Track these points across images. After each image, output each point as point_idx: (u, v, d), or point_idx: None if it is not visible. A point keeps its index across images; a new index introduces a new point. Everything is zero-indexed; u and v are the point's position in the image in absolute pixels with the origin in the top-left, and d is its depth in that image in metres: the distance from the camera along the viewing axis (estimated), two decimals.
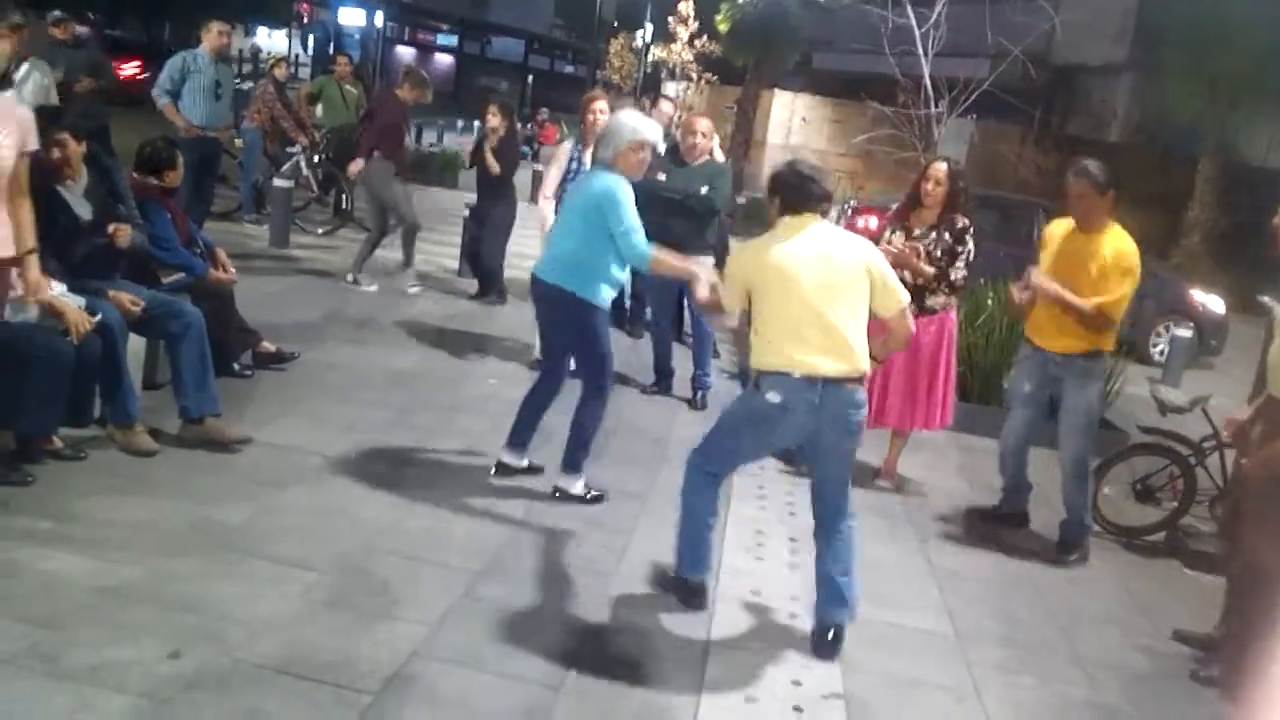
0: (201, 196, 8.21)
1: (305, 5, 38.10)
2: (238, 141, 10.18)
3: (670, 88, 22.19)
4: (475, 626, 3.36)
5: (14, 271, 3.82)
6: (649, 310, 6.99)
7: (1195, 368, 9.95)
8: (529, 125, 26.34)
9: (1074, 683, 3.67)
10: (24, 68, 7.12)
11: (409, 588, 3.53)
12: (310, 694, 2.86)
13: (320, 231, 10.16)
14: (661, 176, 6.03)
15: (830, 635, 3.56)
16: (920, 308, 5.17)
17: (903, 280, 5.05)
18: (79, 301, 4.07)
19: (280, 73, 10.75)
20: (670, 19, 23.15)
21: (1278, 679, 3.40)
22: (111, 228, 4.52)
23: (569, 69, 50.30)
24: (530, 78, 46.33)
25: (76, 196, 4.46)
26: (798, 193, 3.54)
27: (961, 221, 5.08)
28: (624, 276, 4.45)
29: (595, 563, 3.95)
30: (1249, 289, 10.63)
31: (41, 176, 3.99)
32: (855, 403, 3.45)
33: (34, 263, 3.82)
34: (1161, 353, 10.18)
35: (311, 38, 38.78)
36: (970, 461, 5.95)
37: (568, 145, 6.54)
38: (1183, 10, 16.06)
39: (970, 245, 5.08)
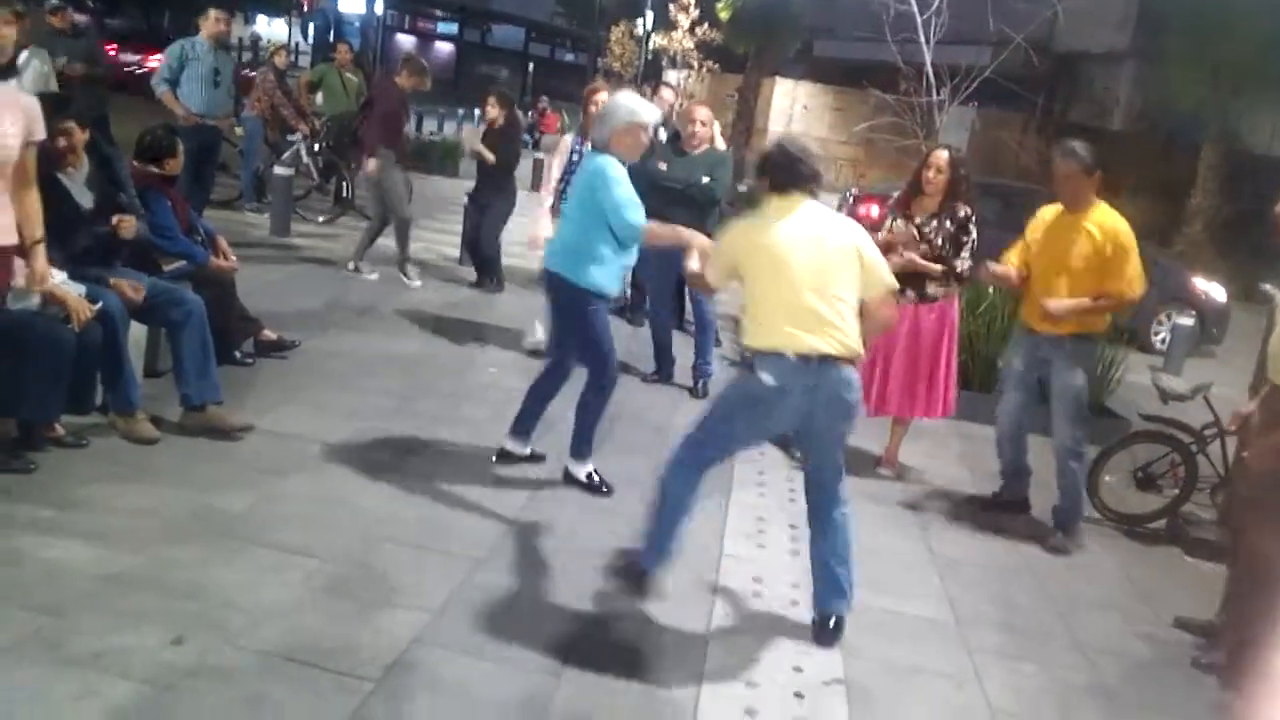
0: (201, 185, 8.19)
1: None
2: (238, 130, 10.17)
3: (671, 76, 22.11)
4: (476, 614, 3.37)
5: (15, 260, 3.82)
6: (649, 298, 6.99)
7: (1197, 356, 9.94)
8: (529, 114, 26.28)
9: (1074, 669, 3.68)
10: (24, 55, 7.10)
11: (410, 575, 3.54)
12: (312, 681, 2.87)
13: (321, 220, 10.15)
14: (662, 166, 6.02)
15: (831, 624, 3.57)
16: (921, 295, 5.17)
17: (902, 269, 5.11)
18: (80, 289, 4.07)
19: (280, 61, 10.72)
20: (671, 6, 23.04)
21: (1278, 667, 3.41)
22: (115, 219, 4.51)
23: (570, 57, 50.18)
24: (531, 66, 46.24)
25: (78, 185, 4.45)
26: (786, 172, 3.52)
27: (964, 210, 5.08)
28: (625, 262, 4.38)
29: (596, 551, 3.95)
30: (1251, 277, 10.63)
31: (44, 165, 3.98)
32: (849, 383, 3.43)
33: (41, 252, 3.81)
34: (1163, 341, 10.18)
35: (311, 25, 38.64)
36: (971, 449, 5.96)
37: (568, 138, 6.55)
38: None
39: (974, 234, 5.08)
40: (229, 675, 2.83)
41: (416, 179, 9.17)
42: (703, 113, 6.18)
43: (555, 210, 6.20)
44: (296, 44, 33.58)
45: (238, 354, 5.43)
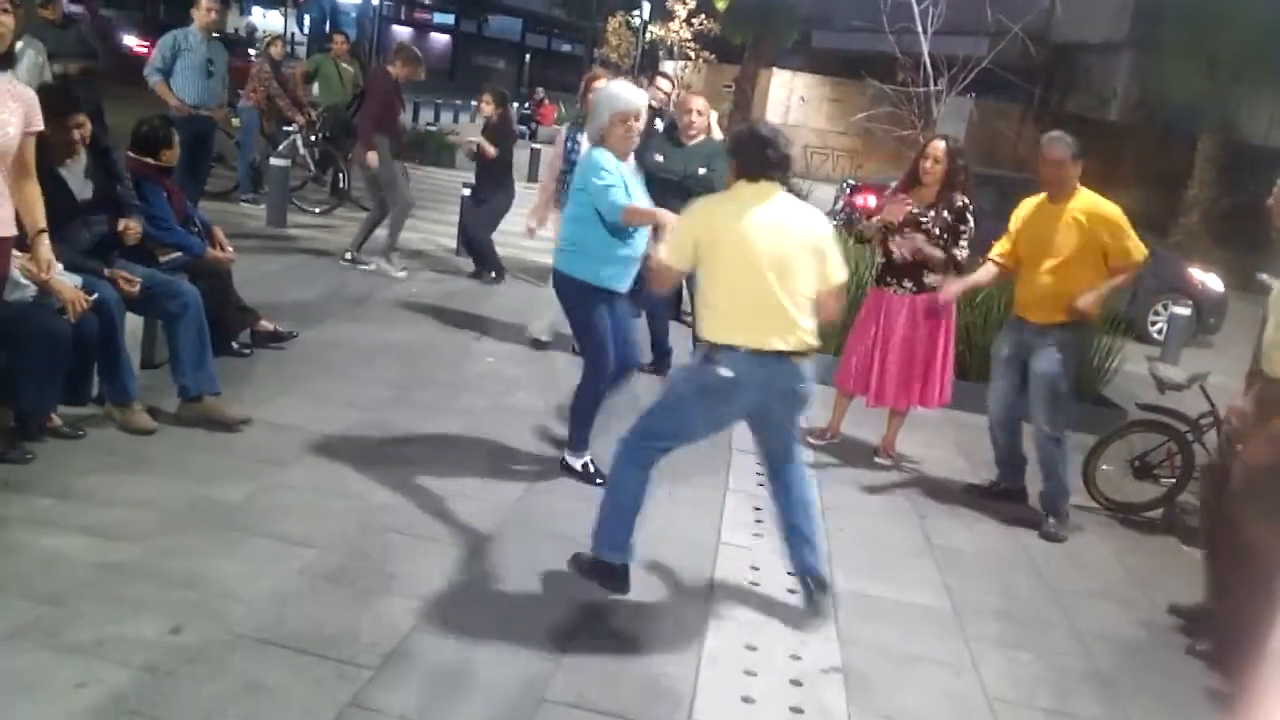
0: (196, 176, 8.16)
1: None
2: (234, 121, 10.14)
3: (668, 66, 22.07)
4: (475, 602, 3.38)
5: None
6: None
7: (1194, 345, 9.97)
8: (526, 104, 26.25)
9: (1071, 656, 3.69)
10: (18, 46, 7.07)
11: (409, 564, 3.55)
12: (311, 669, 2.87)
13: (317, 210, 10.13)
14: (659, 157, 6.01)
15: (818, 584, 3.62)
16: (919, 285, 5.18)
17: (902, 254, 5.12)
18: (76, 281, 4.06)
19: (276, 51, 10.69)
20: None
21: (1271, 655, 3.43)
22: (121, 225, 4.53)
23: (566, 48, 50.10)
24: (528, 56, 46.16)
25: (77, 177, 4.45)
26: (755, 157, 3.46)
27: (961, 200, 5.08)
28: (629, 255, 4.30)
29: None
30: (1248, 267, 10.63)
31: (43, 158, 3.97)
32: (803, 377, 3.45)
33: (44, 241, 3.80)
34: (1160, 331, 10.20)
35: (307, 16, 38.55)
36: (968, 439, 5.97)
37: (563, 131, 6.56)
38: None
39: (971, 223, 5.09)
40: (228, 664, 2.84)
41: (413, 170, 9.16)
42: (698, 102, 6.18)
43: (557, 201, 6.23)
44: (292, 34, 33.50)
45: (235, 345, 5.42)
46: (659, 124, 6.54)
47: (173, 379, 4.53)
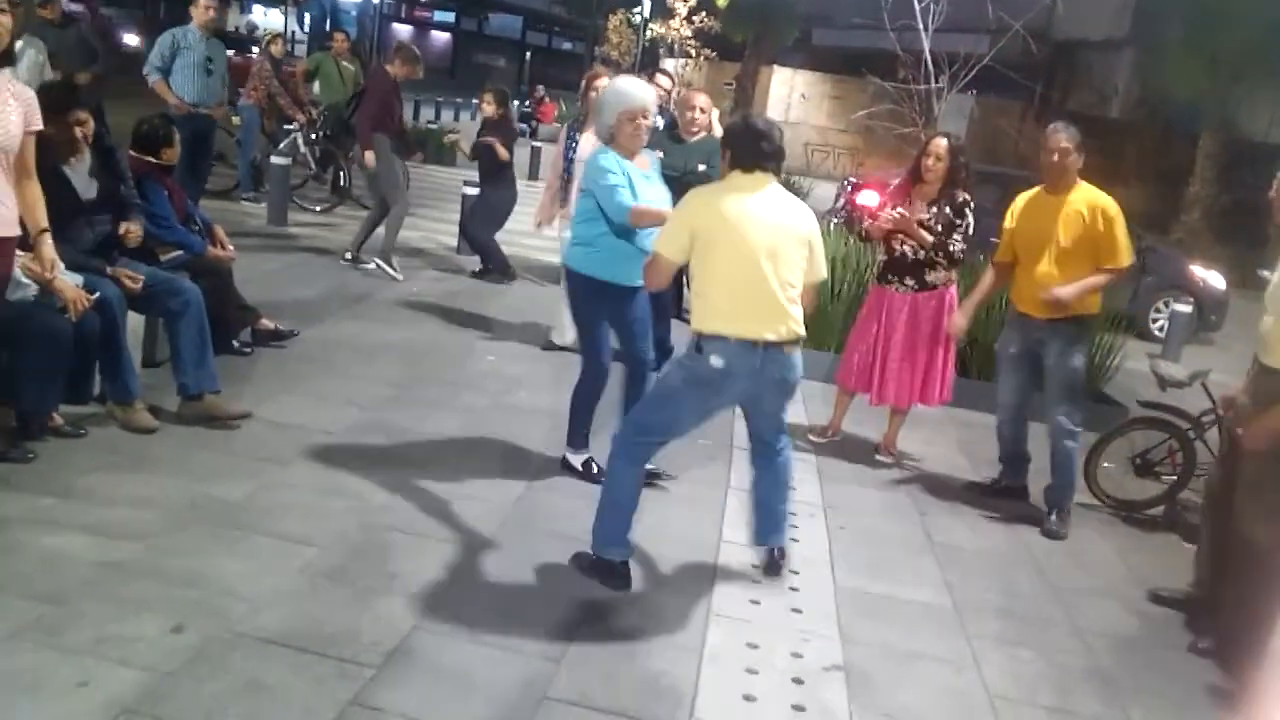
0: (196, 174, 8.16)
1: None
2: (235, 119, 10.14)
3: (669, 64, 22.06)
4: (476, 601, 3.38)
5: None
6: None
7: (1195, 343, 9.96)
8: (527, 103, 26.24)
9: (1072, 654, 3.69)
10: (18, 45, 7.07)
11: (410, 562, 3.55)
12: (313, 667, 2.87)
13: (318, 209, 10.14)
14: (659, 154, 6.00)
15: (777, 555, 3.77)
16: (920, 283, 5.18)
17: (904, 252, 5.12)
18: (77, 279, 4.06)
19: (277, 50, 10.69)
20: None
21: (1272, 654, 3.43)
22: (122, 228, 4.54)
23: (567, 45, 50.08)
24: (528, 54, 46.14)
25: (81, 176, 4.45)
26: (749, 148, 3.50)
27: (961, 195, 5.08)
28: (632, 250, 4.20)
29: None
30: (1249, 264, 10.63)
31: (47, 156, 3.97)
32: (793, 365, 3.52)
33: (48, 240, 3.80)
34: (1161, 328, 10.19)
35: (307, 14, 38.55)
36: (969, 436, 5.96)
37: (563, 131, 6.56)
38: None
39: (969, 218, 5.08)
40: (229, 662, 2.84)
41: (414, 169, 9.16)
42: (701, 99, 6.18)
43: (563, 199, 6.24)
44: (293, 33, 33.50)
45: (236, 343, 5.43)
46: (659, 121, 6.54)
47: (174, 377, 4.53)
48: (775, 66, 27.77)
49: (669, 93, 7.27)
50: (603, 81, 6.09)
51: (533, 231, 6.80)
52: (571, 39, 48.70)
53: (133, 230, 4.56)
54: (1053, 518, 4.78)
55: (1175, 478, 5.19)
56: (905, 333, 5.22)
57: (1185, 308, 9.41)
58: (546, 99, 26.53)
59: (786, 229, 3.48)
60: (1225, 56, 16.39)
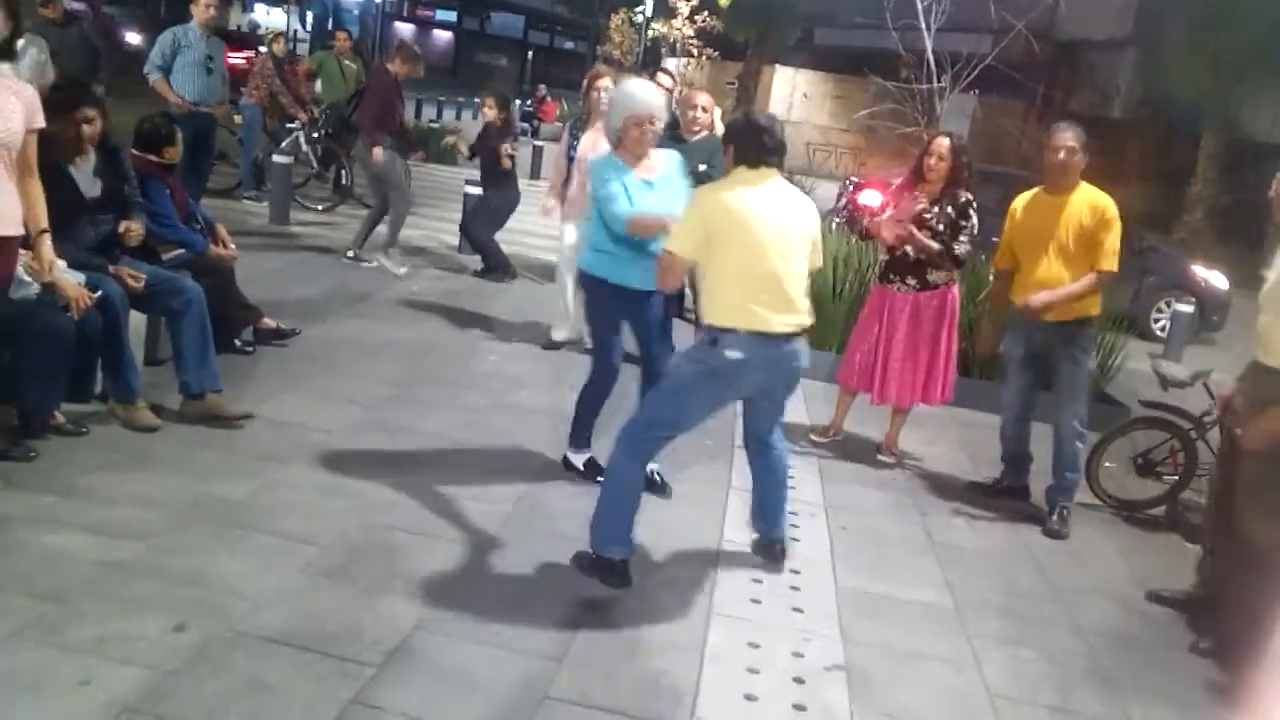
0: (198, 173, 8.16)
1: None
2: (237, 118, 10.14)
3: (671, 63, 22.07)
4: (478, 600, 3.38)
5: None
6: None
7: (1197, 343, 9.95)
8: (529, 102, 26.25)
9: (1073, 653, 3.69)
10: (20, 44, 7.06)
11: (411, 561, 3.55)
12: (314, 666, 2.87)
13: (320, 208, 10.14)
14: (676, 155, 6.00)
15: (778, 549, 3.92)
16: (922, 282, 5.17)
17: (905, 251, 5.11)
18: (79, 278, 4.07)
19: (279, 48, 10.70)
20: None
21: (1273, 652, 3.42)
22: (122, 227, 4.54)
23: (569, 45, 50.07)
24: (530, 54, 46.13)
25: (85, 175, 4.45)
26: (753, 143, 3.56)
27: (964, 195, 5.07)
28: (642, 253, 4.12)
29: None
30: (1251, 264, 10.61)
31: (51, 154, 3.97)
32: (799, 355, 3.60)
33: (47, 240, 3.80)
34: (1163, 328, 10.18)
35: (310, 13, 38.56)
36: (971, 436, 5.96)
37: (565, 130, 6.57)
38: None
39: (974, 219, 5.08)
40: (230, 661, 2.84)
41: (415, 168, 9.16)
42: (703, 98, 6.17)
43: (563, 197, 6.25)
44: (295, 31, 33.50)
45: (237, 342, 5.43)
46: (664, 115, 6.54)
47: (175, 376, 4.53)
48: (777, 66, 27.77)
49: (671, 92, 7.26)
50: (604, 82, 6.09)
51: (541, 220, 6.79)
52: (573, 38, 48.70)
53: (133, 229, 4.57)
54: (1054, 518, 4.78)
55: (1177, 478, 5.19)
56: (907, 332, 5.22)
57: (1187, 308, 9.40)
58: (548, 98, 26.52)
59: (793, 222, 3.57)
60: (1228, 56, 16.38)
